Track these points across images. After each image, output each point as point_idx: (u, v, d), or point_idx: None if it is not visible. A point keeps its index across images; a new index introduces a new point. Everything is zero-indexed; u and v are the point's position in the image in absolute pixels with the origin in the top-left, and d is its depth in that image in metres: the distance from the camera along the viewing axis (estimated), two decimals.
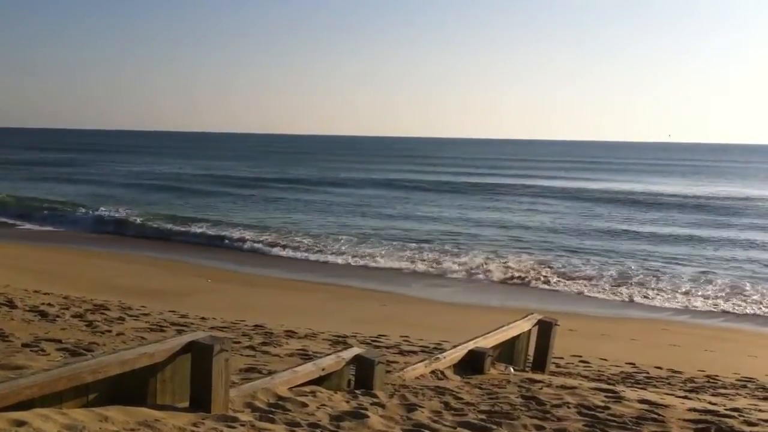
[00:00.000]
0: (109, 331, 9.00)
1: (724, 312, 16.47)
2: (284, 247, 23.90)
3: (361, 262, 21.72)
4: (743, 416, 5.57)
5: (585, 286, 18.83)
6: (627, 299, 17.56)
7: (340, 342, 9.96)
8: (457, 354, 7.30)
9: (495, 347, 7.80)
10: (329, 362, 5.69)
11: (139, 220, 28.97)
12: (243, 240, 25.07)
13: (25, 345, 7.08)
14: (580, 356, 10.68)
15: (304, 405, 4.86)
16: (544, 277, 19.72)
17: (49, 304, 10.96)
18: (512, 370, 7.85)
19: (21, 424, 3.34)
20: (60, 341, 7.59)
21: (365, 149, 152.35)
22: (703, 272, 20.76)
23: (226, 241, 25.21)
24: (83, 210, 31.84)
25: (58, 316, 9.85)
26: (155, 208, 34.21)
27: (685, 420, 5.30)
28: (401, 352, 9.54)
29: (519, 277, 19.70)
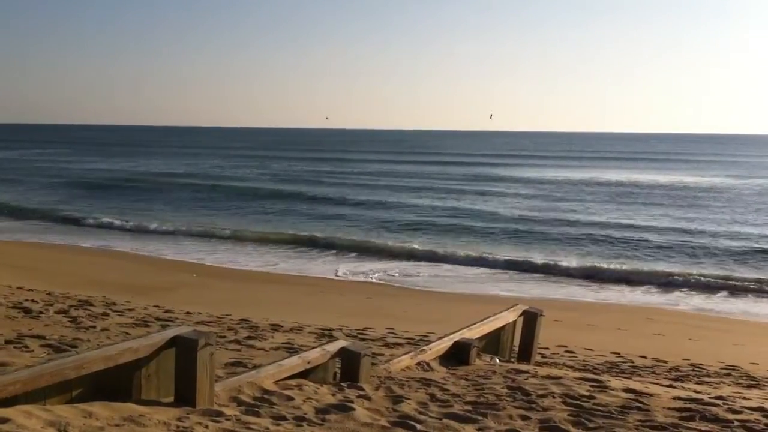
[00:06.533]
0: (94, 327, 8.94)
1: (709, 301, 16.64)
2: None
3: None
4: (727, 404, 5.61)
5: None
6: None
7: (325, 335, 9.95)
8: (442, 345, 7.31)
9: (481, 338, 7.82)
10: (315, 355, 5.68)
11: None
12: None
13: (8, 342, 7.03)
14: (566, 346, 10.74)
15: (290, 398, 4.85)
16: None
17: (32, 301, 10.87)
18: (498, 360, 7.88)
19: (4, 420, 3.31)
20: (44, 337, 7.54)
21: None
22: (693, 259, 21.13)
23: None
24: None
25: (41, 313, 9.77)
26: None
27: (669, 408, 5.34)
28: (387, 345, 9.55)
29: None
